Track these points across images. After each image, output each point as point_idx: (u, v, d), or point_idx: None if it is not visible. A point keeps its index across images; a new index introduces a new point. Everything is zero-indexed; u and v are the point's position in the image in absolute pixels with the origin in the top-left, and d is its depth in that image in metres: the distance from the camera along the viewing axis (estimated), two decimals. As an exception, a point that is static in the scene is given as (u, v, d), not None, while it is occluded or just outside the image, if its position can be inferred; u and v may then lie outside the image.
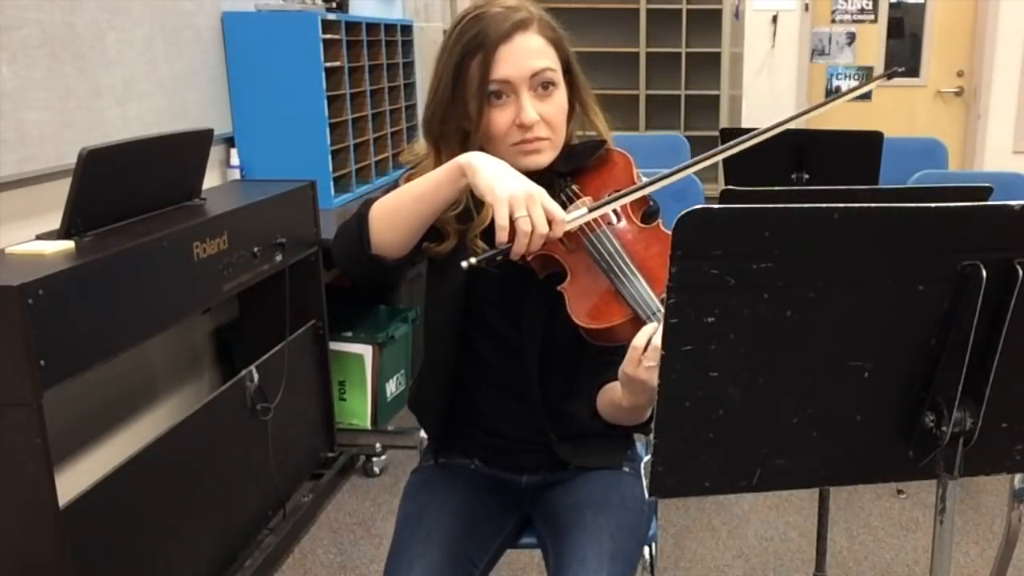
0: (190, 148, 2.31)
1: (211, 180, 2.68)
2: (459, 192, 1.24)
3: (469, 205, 1.32)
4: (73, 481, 1.88)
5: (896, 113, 5.48)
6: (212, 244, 2.16)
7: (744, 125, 4.94)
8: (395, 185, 1.36)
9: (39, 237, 1.90)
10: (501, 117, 1.30)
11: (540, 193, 1.20)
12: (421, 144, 1.43)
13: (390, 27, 3.79)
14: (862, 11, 5.48)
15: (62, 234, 1.87)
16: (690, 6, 5.63)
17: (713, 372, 0.86)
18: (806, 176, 2.67)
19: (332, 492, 2.92)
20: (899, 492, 2.85)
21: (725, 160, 2.85)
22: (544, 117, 1.31)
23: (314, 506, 2.77)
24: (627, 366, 1.15)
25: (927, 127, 5.38)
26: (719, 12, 5.54)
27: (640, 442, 1.64)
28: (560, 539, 1.41)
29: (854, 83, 5.56)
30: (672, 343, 0.84)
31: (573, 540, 1.38)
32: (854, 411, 0.92)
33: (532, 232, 1.17)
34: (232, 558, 2.36)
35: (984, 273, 0.85)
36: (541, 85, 1.31)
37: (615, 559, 1.35)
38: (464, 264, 1.21)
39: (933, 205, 0.84)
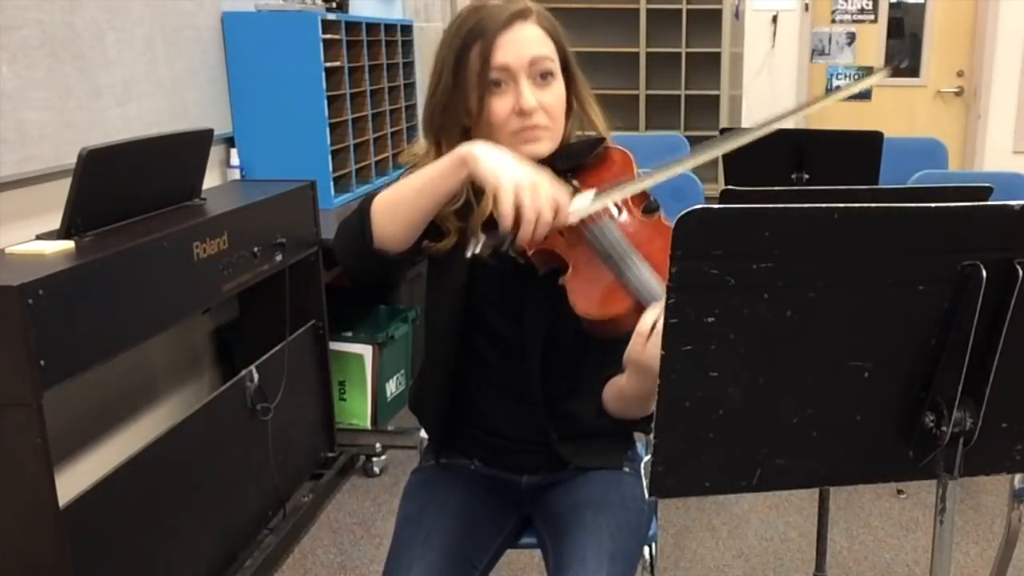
0: (190, 148, 2.31)
1: (211, 180, 2.68)
2: (461, 182, 1.23)
3: (470, 199, 1.32)
4: (73, 481, 1.88)
5: (896, 113, 5.48)
6: (212, 244, 2.16)
7: (744, 125, 4.94)
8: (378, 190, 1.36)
9: (39, 237, 1.90)
10: (500, 105, 1.30)
11: (544, 179, 1.19)
12: (420, 144, 1.43)
13: (390, 27, 3.79)
14: (862, 11, 5.48)
15: (62, 234, 1.87)
16: (690, 6, 5.63)
17: (713, 372, 0.86)
18: (806, 176, 2.67)
19: (332, 492, 2.92)
20: (899, 492, 2.85)
21: (725, 160, 2.85)
22: (543, 106, 1.31)
23: (314, 506, 2.77)
24: (632, 350, 1.14)
25: (927, 127, 5.38)
26: (719, 12, 5.54)
27: (640, 442, 1.64)
28: (560, 539, 1.41)
29: (854, 83, 5.56)
30: (672, 343, 0.84)
31: (573, 540, 1.38)
32: (854, 411, 0.92)
33: (537, 220, 1.16)
34: (232, 558, 2.36)
35: (984, 273, 0.85)
36: (540, 75, 1.31)
37: (615, 559, 1.35)
38: (468, 253, 1.21)
39: (933, 205, 0.84)
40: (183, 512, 2.13)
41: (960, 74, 5.46)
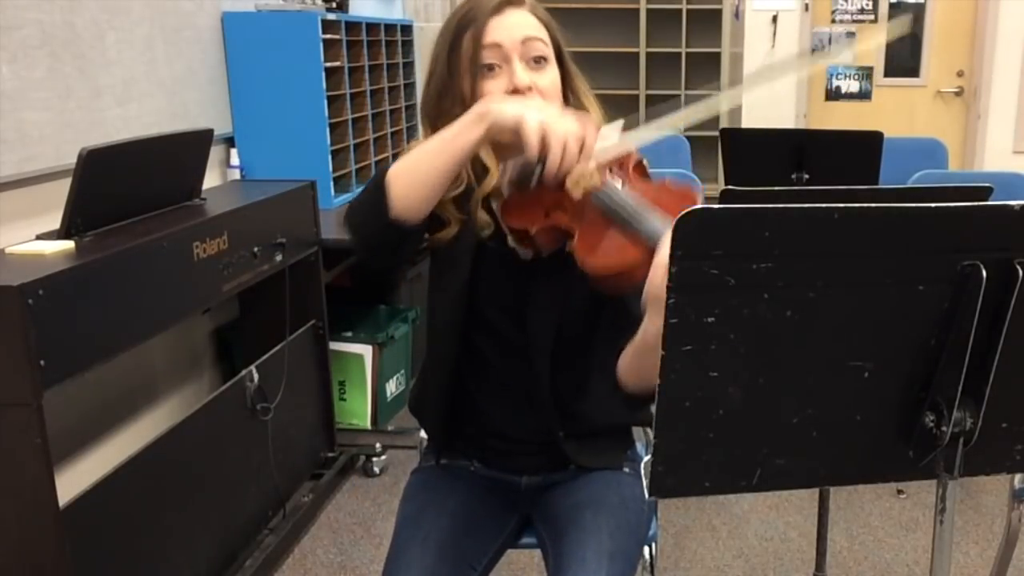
0: (190, 148, 2.31)
1: (211, 180, 2.68)
2: (480, 137, 1.20)
3: (471, 183, 1.32)
4: (73, 481, 1.88)
5: (896, 113, 5.48)
6: (212, 244, 2.16)
7: (744, 125, 4.94)
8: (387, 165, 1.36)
9: (39, 237, 1.90)
10: (494, 87, 1.30)
11: (569, 115, 1.19)
12: (419, 140, 1.43)
13: (390, 27, 3.79)
14: (862, 11, 5.47)
15: (62, 234, 1.87)
16: (690, 6, 5.63)
17: (713, 372, 0.86)
18: (806, 176, 2.67)
19: (332, 492, 2.92)
20: (899, 492, 2.85)
21: (725, 160, 2.86)
22: (537, 88, 1.30)
23: (314, 506, 2.77)
24: (652, 284, 1.08)
25: (927, 127, 5.38)
26: (719, 12, 5.54)
27: (640, 442, 1.64)
28: (559, 539, 1.41)
29: (854, 83, 5.56)
30: (672, 343, 0.84)
31: (572, 540, 1.38)
32: (854, 411, 0.92)
33: (565, 148, 1.15)
34: (232, 558, 2.36)
35: (984, 273, 0.85)
36: (533, 59, 1.31)
37: (614, 559, 1.35)
38: (501, 171, 1.21)
39: (933, 205, 0.84)
40: (183, 512, 2.13)
41: (960, 74, 5.46)
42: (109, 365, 2.03)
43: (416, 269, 3.73)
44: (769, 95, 5.50)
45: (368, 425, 3.31)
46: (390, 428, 3.36)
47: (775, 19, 5.47)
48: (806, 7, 5.44)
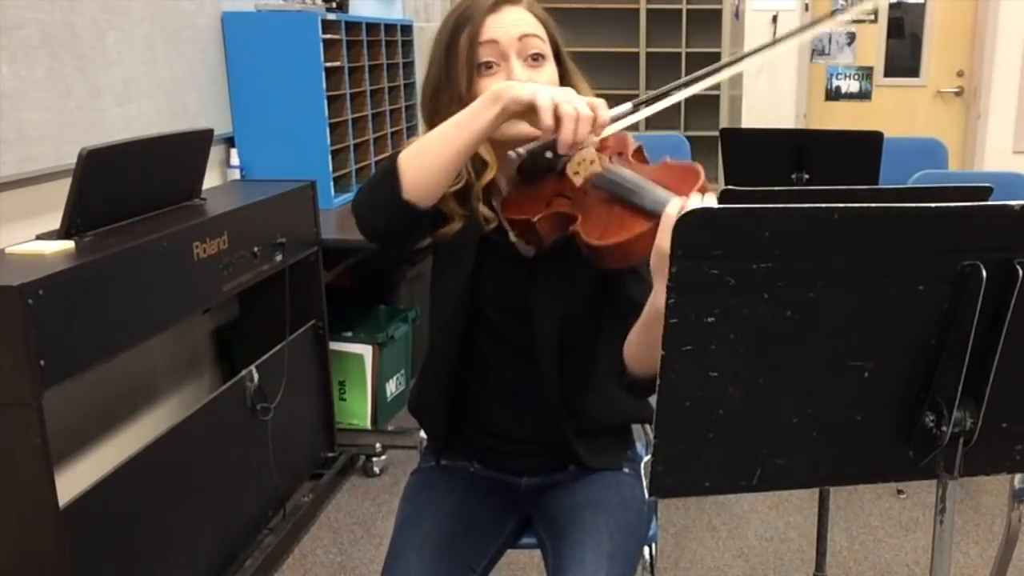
0: (190, 148, 2.31)
1: (211, 180, 2.68)
2: (494, 118, 1.19)
3: (471, 179, 1.32)
4: (73, 481, 1.88)
5: (896, 113, 5.48)
6: (212, 244, 2.16)
7: (744, 125, 4.94)
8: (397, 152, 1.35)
9: (39, 237, 1.90)
10: (491, 85, 1.27)
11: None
12: (418, 138, 1.43)
13: (390, 27, 3.79)
14: (865, 12, 5.47)
15: (62, 234, 1.87)
16: (690, 6, 5.63)
17: (713, 372, 0.86)
18: (806, 176, 2.66)
19: (332, 492, 2.92)
20: (899, 492, 2.85)
21: (725, 160, 2.85)
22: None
23: (314, 506, 2.77)
24: (661, 242, 1.07)
25: (927, 127, 5.38)
26: (719, 12, 5.54)
27: (640, 442, 1.64)
28: (559, 540, 1.41)
29: (854, 83, 5.56)
30: (672, 343, 0.84)
31: (572, 541, 1.38)
32: (854, 411, 0.92)
33: (578, 117, 1.15)
34: (232, 558, 2.36)
35: (984, 273, 0.85)
36: (531, 56, 1.31)
37: (614, 559, 1.35)
38: (512, 154, 1.21)
39: (933, 205, 0.84)
40: (183, 512, 2.13)
41: (960, 74, 5.46)
42: (109, 365, 2.03)
43: (416, 269, 3.73)
44: (769, 95, 5.50)
45: (368, 425, 3.31)
46: (390, 428, 3.36)
47: (775, 19, 5.47)
48: (806, 7, 5.44)
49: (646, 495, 0.90)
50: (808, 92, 5.55)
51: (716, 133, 3.01)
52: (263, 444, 2.49)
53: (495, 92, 1.20)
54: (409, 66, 4.02)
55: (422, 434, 1.66)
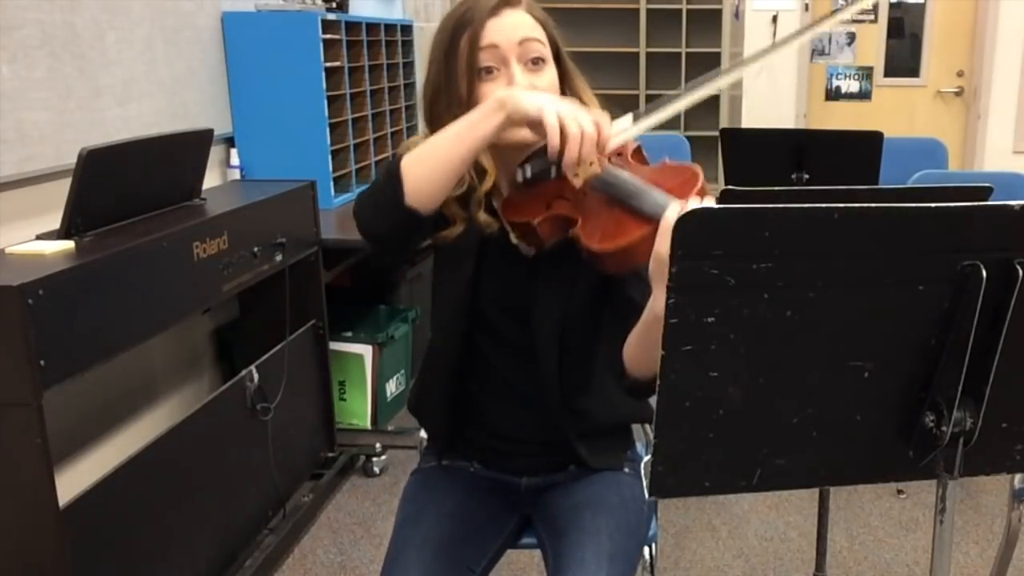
0: (190, 148, 2.31)
1: (211, 180, 2.68)
2: (498, 126, 1.20)
3: (473, 183, 1.32)
4: (73, 481, 1.88)
5: (896, 113, 5.48)
6: (212, 244, 2.16)
7: (744, 125, 4.94)
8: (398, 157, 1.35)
9: (39, 237, 1.90)
10: (492, 91, 1.28)
11: (584, 108, 1.21)
12: (416, 138, 1.43)
13: (390, 27, 3.79)
14: (862, 11, 5.47)
15: (62, 234, 1.87)
16: (690, 6, 5.63)
17: (713, 372, 0.86)
18: (806, 176, 2.67)
19: (332, 492, 2.92)
20: (899, 492, 2.85)
21: (725, 160, 2.85)
22: (535, 89, 1.29)
23: (314, 506, 2.77)
24: (660, 248, 1.08)
25: (927, 127, 5.38)
26: (719, 12, 5.54)
27: (640, 442, 1.64)
28: (559, 540, 1.41)
29: (854, 83, 5.56)
30: (672, 343, 0.84)
31: (572, 541, 1.38)
32: (854, 411, 0.92)
33: (583, 135, 1.16)
34: (232, 558, 2.36)
35: (984, 273, 0.85)
36: (531, 60, 1.31)
37: (614, 559, 1.35)
38: (519, 176, 1.21)
39: (933, 205, 0.84)
40: (183, 512, 2.13)
41: (960, 74, 5.46)
42: (109, 365, 2.03)
43: (416, 269, 3.73)
44: (769, 95, 5.50)
45: (368, 425, 3.31)
46: (390, 428, 3.36)
47: (775, 19, 5.47)
48: (806, 7, 5.44)
49: (646, 495, 0.90)
50: (808, 92, 5.55)
51: (716, 133, 3.01)
52: (263, 444, 2.49)
53: (499, 100, 1.20)
54: (409, 66, 4.02)
55: (422, 434, 1.66)
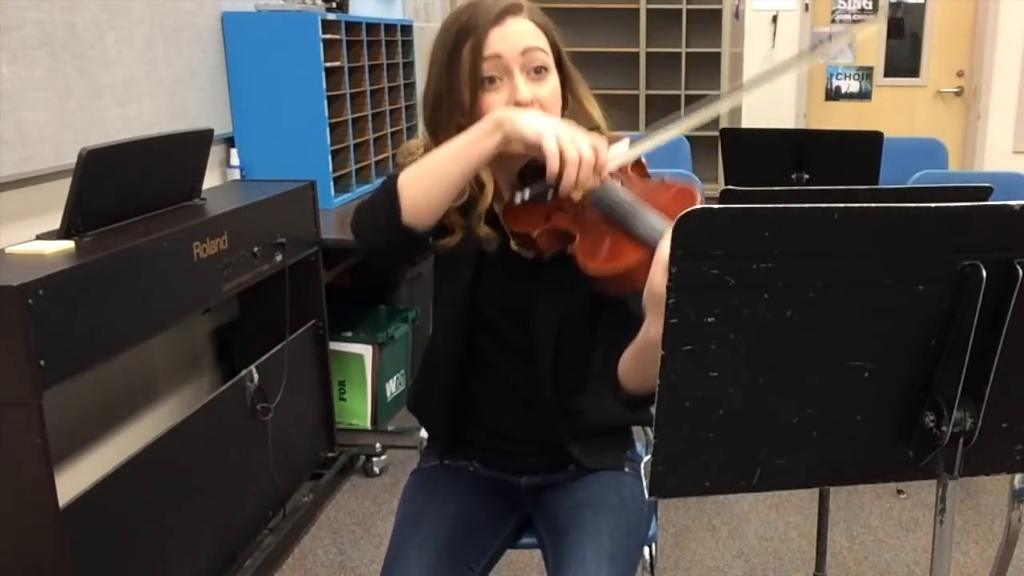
0: (190, 148, 2.31)
1: (211, 180, 2.68)
2: (496, 145, 1.21)
3: (474, 194, 1.32)
4: (73, 481, 1.88)
5: (896, 113, 5.49)
6: (212, 244, 2.16)
7: (744, 125, 4.94)
8: (397, 171, 1.36)
9: (39, 237, 1.90)
10: (495, 100, 1.29)
11: (580, 130, 1.21)
12: (415, 142, 1.43)
13: (390, 27, 3.79)
14: (862, 11, 5.47)
15: (62, 234, 1.87)
16: (690, 6, 5.63)
17: (713, 372, 0.86)
18: (806, 176, 2.67)
19: (332, 492, 2.92)
20: (899, 492, 2.85)
21: (725, 160, 2.85)
22: (538, 99, 1.30)
23: (314, 506, 2.77)
24: (654, 281, 1.06)
25: (927, 127, 5.38)
26: (719, 12, 5.54)
27: (640, 442, 1.64)
28: (560, 539, 1.41)
29: (854, 83, 5.56)
30: (672, 343, 0.84)
31: (573, 540, 1.38)
32: (854, 411, 0.91)
33: (581, 161, 1.17)
34: (232, 558, 2.36)
35: (984, 273, 0.85)
36: (534, 69, 1.31)
37: (615, 559, 1.35)
38: (517, 199, 1.22)
39: (933, 205, 0.84)
40: (183, 512, 2.13)
41: (960, 74, 5.46)
42: (109, 365, 2.03)
43: (416, 269, 3.73)
44: (769, 95, 5.51)
45: (368, 425, 3.31)
46: (390, 428, 3.36)
47: (775, 19, 5.47)
48: (806, 7, 5.45)
49: (646, 495, 0.90)
50: (808, 92, 5.55)
51: (716, 133, 3.01)
52: (263, 444, 2.49)
53: (497, 120, 1.21)
54: (409, 66, 4.02)
55: (422, 434, 1.66)
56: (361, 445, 3.09)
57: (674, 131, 1.26)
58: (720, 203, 1.02)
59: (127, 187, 2.06)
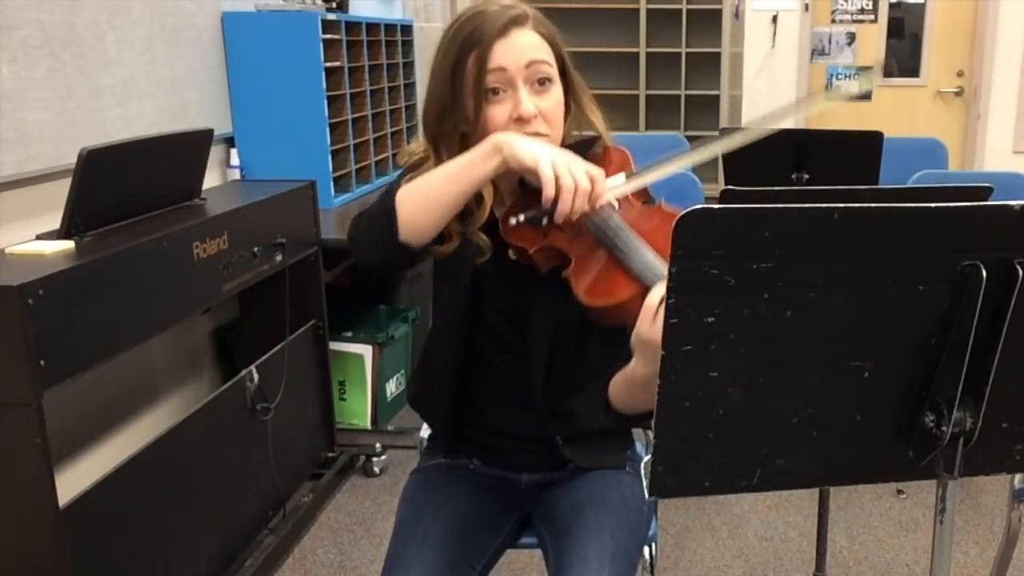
0: (190, 148, 2.31)
1: (211, 180, 2.68)
2: (494, 169, 1.23)
3: (471, 205, 1.33)
4: (73, 481, 1.88)
5: (896, 113, 5.49)
6: (212, 244, 2.16)
7: (744, 125, 4.94)
8: (396, 185, 1.36)
9: (39, 237, 1.90)
10: (498, 112, 1.29)
11: (577, 158, 1.23)
12: (416, 144, 1.43)
13: (390, 27, 3.79)
14: (862, 11, 5.48)
15: (62, 234, 1.87)
16: (690, 6, 5.63)
17: (713, 372, 0.86)
18: (806, 176, 2.66)
19: (332, 492, 2.92)
20: (899, 492, 2.85)
21: (725, 160, 2.85)
22: (542, 112, 1.30)
23: (314, 506, 2.77)
24: (640, 328, 1.09)
25: (927, 127, 5.38)
26: (719, 12, 5.54)
27: (640, 442, 1.64)
28: (561, 538, 1.41)
29: (854, 83, 5.56)
30: (672, 343, 0.84)
31: (574, 539, 1.38)
32: (854, 411, 0.92)
33: (576, 189, 1.18)
34: (232, 558, 2.36)
35: (984, 273, 0.85)
36: (538, 81, 1.31)
37: (616, 558, 1.35)
38: (512, 221, 1.24)
39: (933, 205, 0.84)
40: (183, 512, 2.13)
41: (960, 74, 5.47)
42: (109, 365, 2.03)
43: (416, 269, 3.70)
44: (769, 95, 5.51)
45: (368, 425, 3.31)
46: (390, 428, 3.36)
47: (775, 19, 5.48)
48: (806, 7, 5.45)
49: (646, 495, 0.90)
50: (808, 92, 5.55)
51: (716, 133, 3.01)
52: (263, 444, 2.49)
53: (496, 145, 1.23)
54: (409, 66, 4.02)
55: (422, 433, 1.66)
56: (361, 445, 3.09)
57: (674, 166, 1.28)
58: (720, 203, 1.03)
59: (127, 187, 2.06)
